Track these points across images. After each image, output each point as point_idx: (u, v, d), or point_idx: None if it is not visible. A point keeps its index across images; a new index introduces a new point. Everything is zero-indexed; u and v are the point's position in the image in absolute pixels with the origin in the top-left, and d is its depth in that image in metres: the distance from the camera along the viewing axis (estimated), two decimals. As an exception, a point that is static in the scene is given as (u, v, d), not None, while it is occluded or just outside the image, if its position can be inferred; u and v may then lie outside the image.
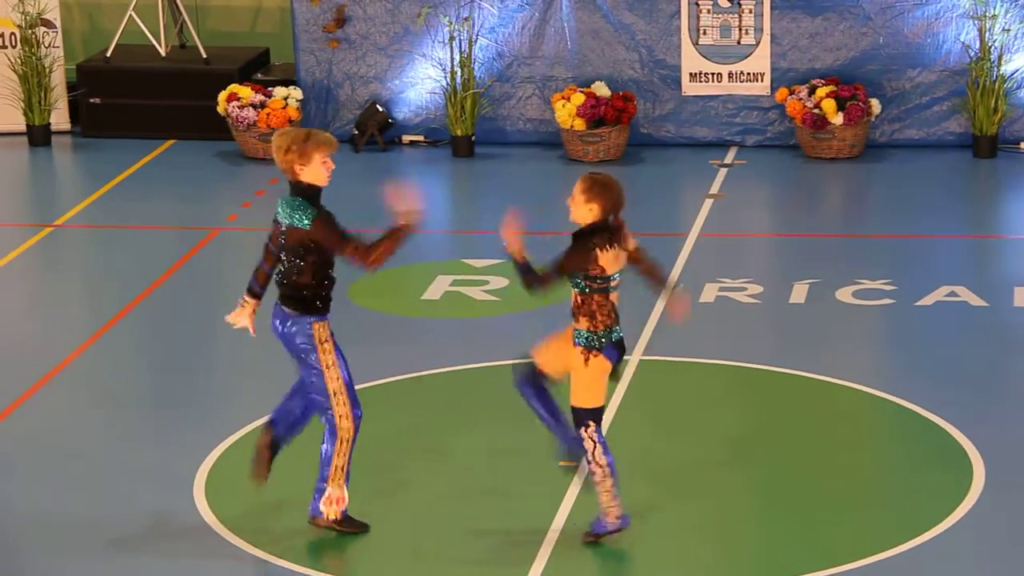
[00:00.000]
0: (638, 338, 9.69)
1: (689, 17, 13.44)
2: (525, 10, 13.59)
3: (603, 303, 7.37)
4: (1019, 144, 13.11)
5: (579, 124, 13.26)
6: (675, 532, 7.62)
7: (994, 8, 12.95)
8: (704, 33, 13.44)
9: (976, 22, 12.94)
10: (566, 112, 13.28)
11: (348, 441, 7.50)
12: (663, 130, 13.64)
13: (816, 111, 13.01)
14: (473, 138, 13.59)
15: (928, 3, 13.11)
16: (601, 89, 13.39)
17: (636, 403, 8.92)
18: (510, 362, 9.48)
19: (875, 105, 13.12)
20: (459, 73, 13.45)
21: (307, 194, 7.52)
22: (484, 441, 8.58)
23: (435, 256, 11.52)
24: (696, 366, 9.37)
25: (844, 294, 10.35)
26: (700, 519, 7.73)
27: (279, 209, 7.58)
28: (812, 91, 13.12)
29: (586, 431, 7.34)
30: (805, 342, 9.71)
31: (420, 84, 13.75)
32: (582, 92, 13.32)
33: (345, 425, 7.50)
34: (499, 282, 10.83)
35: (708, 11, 13.42)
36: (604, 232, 7.34)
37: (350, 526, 7.60)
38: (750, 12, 13.37)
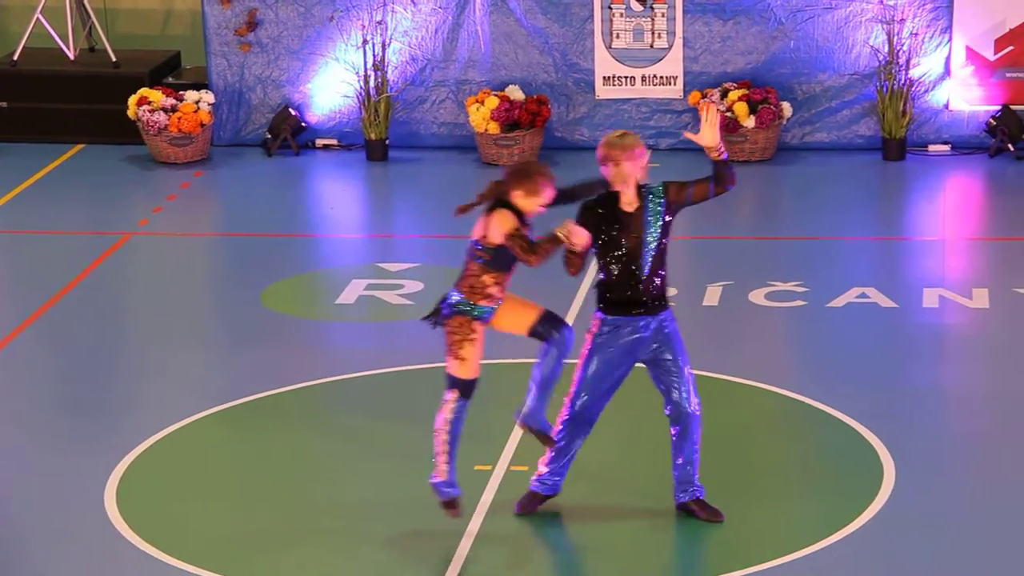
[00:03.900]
0: (553, 341, 9.69)
1: (602, 21, 13.49)
2: (438, 14, 13.58)
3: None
4: (927, 147, 13.27)
5: (493, 128, 13.27)
6: (588, 532, 7.62)
7: (902, 12, 13.11)
8: (617, 37, 13.50)
9: (885, 26, 13.09)
10: (480, 116, 13.28)
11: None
12: (577, 133, 13.67)
13: (728, 114, 13.10)
14: (387, 142, 13.55)
15: (838, 7, 13.24)
16: (515, 93, 13.40)
17: (552, 406, 8.92)
18: (425, 366, 9.49)
19: (786, 108, 13.23)
20: (372, 77, 13.41)
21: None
22: (398, 444, 8.55)
23: (349, 260, 11.48)
24: (611, 369, 9.38)
25: (757, 296, 10.42)
26: (614, 520, 7.73)
27: None
28: (724, 94, 13.21)
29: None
30: (718, 344, 9.75)
31: (333, 88, 13.70)
32: (496, 96, 13.32)
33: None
34: (414, 286, 10.81)
35: (621, 15, 13.47)
36: None
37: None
38: (663, 16, 13.43)
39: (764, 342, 9.81)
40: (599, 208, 7.36)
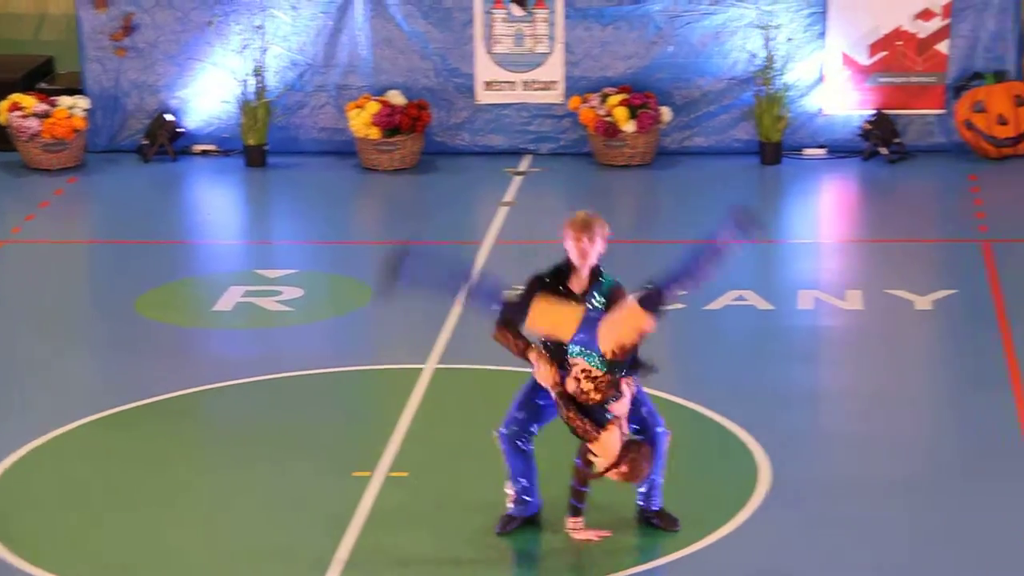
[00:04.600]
0: (433, 346, 9.68)
1: (483, 26, 13.49)
2: (319, 18, 13.50)
3: None
4: (803, 151, 13.43)
5: (374, 133, 13.22)
6: (465, 537, 7.60)
7: (779, 18, 13.25)
8: (498, 42, 13.51)
9: (762, 32, 13.22)
10: (360, 121, 13.22)
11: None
12: (458, 138, 13.66)
13: (608, 119, 13.16)
14: (266, 147, 13.45)
15: (716, 13, 13.36)
16: (396, 98, 13.36)
17: (431, 411, 8.90)
18: (304, 372, 9.42)
19: (665, 113, 13.32)
20: (251, 82, 13.30)
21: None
22: (277, 450, 8.47)
23: (227, 267, 11.37)
24: (490, 373, 9.39)
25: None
26: (487, 528, 7.69)
27: None
28: (604, 99, 13.27)
29: None
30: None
31: (211, 93, 13.57)
32: (377, 101, 13.27)
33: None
34: (292, 292, 10.73)
35: (502, 20, 13.49)
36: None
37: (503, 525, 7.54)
38: (543, 21, 13.47)
39: (642, 345, 9.84)
40: (547, 279, 7.28)
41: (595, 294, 7.30)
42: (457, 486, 8.06)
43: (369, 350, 9.84)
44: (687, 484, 8.10)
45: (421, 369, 9.39)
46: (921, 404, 9.00)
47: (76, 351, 9.86)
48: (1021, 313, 10.00)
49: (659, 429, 7.46)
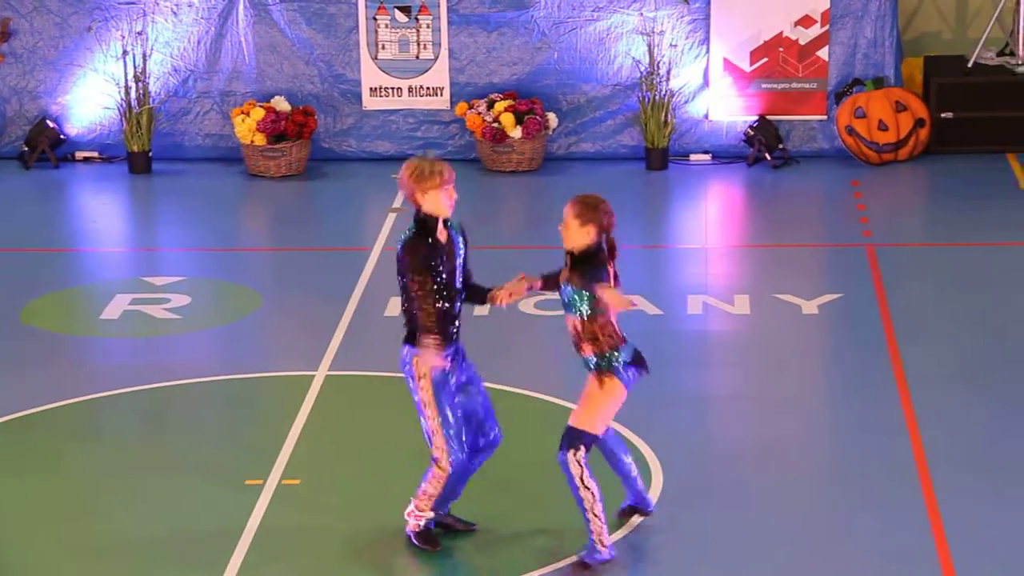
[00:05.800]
0: (324, 353, 9.64)
1: (367, 31, 13.46)
2: (200, 24, 13.39)
3: (606, 324, 7.20)
4: (688, 156, 13.57)
5: (259, 139, 13.14)
6: (357, 543, 7.57)
7: (661, 24, 13.38)
8: (383, 48, 13.49)
9: (645, 38, 13.34)
10: (246, 127, 13.13)
11: (442, 478, 7.33)
12: (345, 145, 13.62)
13: (495, 125, 13.20)
14: (150, 154, 13.30)
15: (599, 19, 13.46)
16: (281, 104, 13.29)
17: (322, 418, 8.86)
18: (194, 380, 9.33)
19: (552, 119, 13.39)
20: (133, 88, 13.15)
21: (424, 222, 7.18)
22: (167, 460, 8.38)
23: (113, 275, 11.23)
24: (382, 380, 9.37)
25: (526, 305, 10.50)
26: (380, 539, 7.67)
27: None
28: (491, 105, 13.31)
29: (575, 454, 7.21)
30: (488, 353, 9.76)
31: (93, 99, 13.40)
32: (262, 107, 13.19)
33: (443, 464, 7.32)
34: (180, 300, 10.63)
35: (386, 26, 13.47)
36: (604, 253, 7.18)
37: (425, 542, 7.44)
38: (427, 27, 13.47)
39: (533, 351, 9.90)
40: (428, 238, 7.18)
41: (460, 238, 7.31)
42: (349, 492, 8.04)
43: (259, 357, 9.78)
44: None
45: (312, 376, 9.34)
46: (809, 407, 9.13)
47: (-42, 362, 9.68)
48: (904, 315, 10.19)
49: (499, 434, 7.45)
